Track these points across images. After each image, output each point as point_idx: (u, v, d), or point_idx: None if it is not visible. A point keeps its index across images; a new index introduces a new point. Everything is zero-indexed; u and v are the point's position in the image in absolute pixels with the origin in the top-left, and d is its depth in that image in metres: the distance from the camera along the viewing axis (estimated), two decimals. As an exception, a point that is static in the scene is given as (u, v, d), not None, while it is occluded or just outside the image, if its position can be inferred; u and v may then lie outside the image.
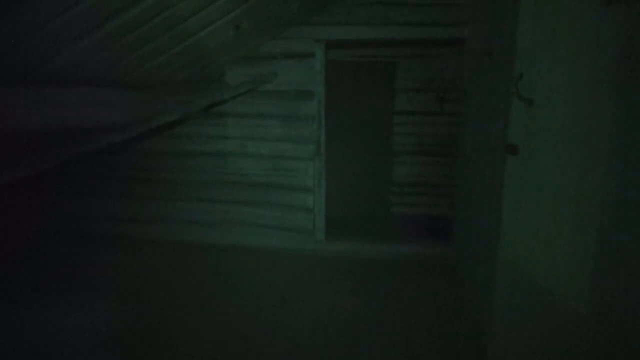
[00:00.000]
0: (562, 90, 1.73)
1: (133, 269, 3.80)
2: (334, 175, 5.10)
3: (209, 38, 2.95)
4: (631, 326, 1.46)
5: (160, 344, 2.71)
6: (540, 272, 1.89)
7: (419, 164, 5.28)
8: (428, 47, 5.01)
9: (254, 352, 2.65)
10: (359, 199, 5.30)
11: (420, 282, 3.59)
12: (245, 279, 3.63)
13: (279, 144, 4.14)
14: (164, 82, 3.28)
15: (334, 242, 4.21)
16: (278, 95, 4.05)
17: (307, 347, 2.70)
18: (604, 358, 1.59)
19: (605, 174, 1.55)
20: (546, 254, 1.83)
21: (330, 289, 3.47)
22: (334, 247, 4.19)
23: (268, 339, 2.77)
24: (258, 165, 4.19)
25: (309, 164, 4.12)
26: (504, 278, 2.12)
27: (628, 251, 1.46)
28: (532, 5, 1.90)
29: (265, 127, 4.12)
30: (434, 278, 3.68)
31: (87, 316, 2.97)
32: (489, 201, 2.63)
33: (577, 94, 1.67)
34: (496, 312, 2.25)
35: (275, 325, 2.93)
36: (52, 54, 1.99)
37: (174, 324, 2.92)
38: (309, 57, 3.94)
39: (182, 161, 4.29)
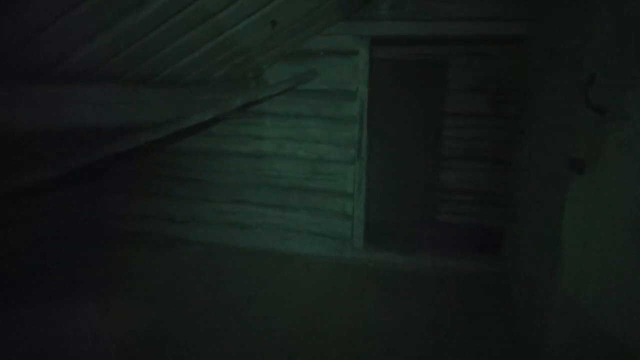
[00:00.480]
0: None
1: (155, 270, 3.73)
2: (376, 180, 4.84)
3: (244, 34, 2.79)
4: None
5: (175, 352, 2.58)
6: (610, 316, 1.58)
7: (469, 169, 4.91)
8: (482, 44, 4.64)
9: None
10: (401, 205, 5.01)
11: (465, 301, 3.28)
12: (276, 287, 3.46)
13: (317, 146, 3.94)
14: (199, 80, 3.16)
15: (373, 251, 3.97)
16: (318, 94, 3.85)
17: (335, 369, 2.49)
18: None
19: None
20: (620, 297, 1.51)
21: (366, 303, 3.24)
22: (372, 256, 3.95)
23: (293, 355, 2.58)
24: (295, 167, 4.01)
25: (348, 168, 3.89)
26: (563, 314, 1.81)
27: None
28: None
29: (304, 128, 3.93)
30: (481, 297, 3.35)
31: (108, 318, 2.90)
32: (546, 220, 2.30)
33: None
34: (551, 348, 1.95)
35: (303, 339, 2.73)
36: (69, 50, 1.88)
37: (194, 331, 2.79)
38: (352, 55, 3.71)
39: (218, 161, 4.19)
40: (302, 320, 2.97)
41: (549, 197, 2.28)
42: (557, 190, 2.08)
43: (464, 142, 4.86)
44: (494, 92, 4.67)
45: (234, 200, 4.21)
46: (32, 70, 1.91)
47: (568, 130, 1.92)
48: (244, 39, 2.87)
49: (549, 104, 2.46)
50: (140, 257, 3.98)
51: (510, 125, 4.60)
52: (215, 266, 3.84)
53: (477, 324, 2.96)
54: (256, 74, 3.85)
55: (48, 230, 4.00)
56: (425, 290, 3.46)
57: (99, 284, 3.43)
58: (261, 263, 3.92)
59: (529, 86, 3.19)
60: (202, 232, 4.34)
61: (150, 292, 3.30)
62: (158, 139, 3.27)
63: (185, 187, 4.33)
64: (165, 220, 4.45)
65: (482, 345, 2.71)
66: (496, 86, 4.67)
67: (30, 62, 1.86)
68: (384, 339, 2.76)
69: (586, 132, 1.65)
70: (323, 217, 4.02)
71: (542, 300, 2.23)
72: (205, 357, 2.55)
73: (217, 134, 4.15)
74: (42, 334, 2.70)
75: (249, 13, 2.55)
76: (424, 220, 4.96)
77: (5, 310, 2.96)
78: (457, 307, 3.19)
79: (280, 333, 2.81)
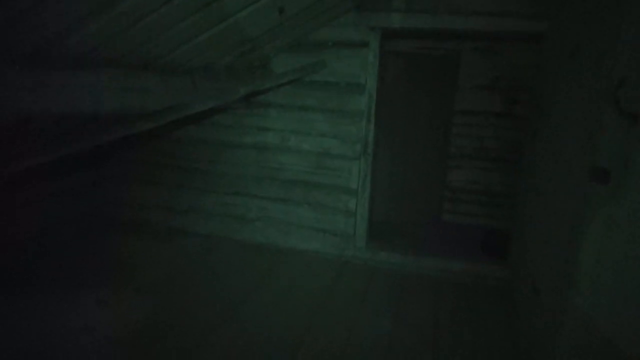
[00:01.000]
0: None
1: (155, 261, 3.64)
2: (381, 176, 4.72)
3: (250, 21, 2.66)
4: None
5: (166, 349, 2.50)
6: (626, 333, 1.47)
7: (478, 169, 4.78)
8: (497, 41, 4.49)
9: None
10: (406, 203, 4.89)
11: (469, 309, 3.17)
12: (274, 283, 3.37)
13: (323, 140, 3.82)
14: (202, 68, 3.04)
15: (376, 250, 3.86)
16: (325, 87, 3.72)
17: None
18: None
19: None
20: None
21: (366, 307, 3.14)
22: (374, 255, 3.84)
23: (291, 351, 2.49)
24: (299, 161, 3.90)
25: (354, 164, 3.78)
26: (575, 333, 1.70)
27: None
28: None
29: (309, 121, 3.81)
30: (485, 305, 3.25)
31: (102, 311, 2.82)
32: (557, 228, 2.19)
33: None
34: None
35: (298, 346, 2.64)
36: (63, 33, 1.77)
37: (190, 325, 2.70)
38: (362, 47, 3.57)
39: (220, 151, 4.08)
40: (299, 321, 2.88)
41: (562, 205, 2.16)
42: (572, 198, 1.96)
43: (474, 141, 4.73)
44: (506, 90, 4.53)
45: (235, 192, 4.11)
46: (22, 55, 1.80)
47: (588, 137, 1.80)
48: (249, 25, 2.75)
49: (566, 107, 2.33)
50: (139, 247, 3.90)
51: (521, 126, 4.47)
52: (214, 259, 3.76)
53: (480, 334, 2.86)
54: (262, 64, 3.73)
55: (46, 219, 3.91)
56: (427, 295, 3.35)
57: (96, 274, 3.34)
58: (260, 257, 3.83)
59: (543, 86, 3.06)
60: (202, 224, 4.25)
61: (148, 285, 3.22)
62: (158, 126, 3.17)
63: (186, 177, 4.23)
64: (165, 210, 4.35)
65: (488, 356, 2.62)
66: (508, 85, 4.53)
67: (20, 46, 1.75)
68: (383, 352, 2.66)
69: (611, 139, 1.52)
70: (325, 213, 3.91)
71: (550, 312, 2.13)
72: (202, 352, 2.47)
73: (220, 124, 4.03)
74: (39, 328, 2.62)
75: (255, -1, 2.43)
76: (429, 220, 4.84)
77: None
78: (460, 315, 3.08)
79: (276, 333, 2.72)
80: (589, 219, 1.62)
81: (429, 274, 3.68)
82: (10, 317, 2.70)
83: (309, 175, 3.90)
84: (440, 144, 4.77)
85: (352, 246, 3.87)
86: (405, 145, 4.79)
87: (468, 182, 4.81)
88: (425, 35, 4.47)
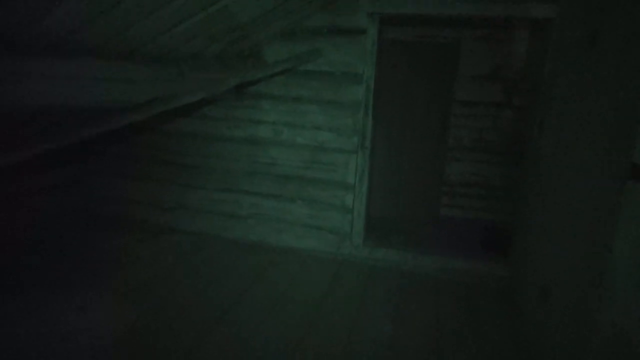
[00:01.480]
0: None
1: (142, 260, 3.45)
2: (378, 171, 4.56)
3: (240, 5, 2.46)
4: None
5: (154, 357, 2.33)
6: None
7: (477, 161, 4.65)
8: (498, 29, 4.32)
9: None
10: (404, 199, 4.74)
11: (470, 310, 3.04)
12: (268, 284, 3.20)
13: (318, 133, 3.63)
14: (189, 57, 2.84)
15: (373, 248, 3.70)
16: (321, 76, 3.53)
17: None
18: None
19: None
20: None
21: (364, 309, 2.98)
22: (372, 253, 3.69)
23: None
24: (293, 155, 3.71)
25: (350, 158, 3.60)
26: (608, 348, 1.55)
27: None
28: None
29: (303, 113, 3.62)
30: (486, 305, 3.11)
31: (83, 318, 2.63)
32: (578, 226, 2.04)
33: None
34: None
35: (294, 352, 2.48)
36: (40, 15, 1.56)
37: (174, 333, 2.53)
38: (360, 35, 3.38)
39: (209, 145, 3.87)
40: (295, 324, 2.72)
41: (581, 202, 2.01)
42: (599, 195, 1.80)
43: (473, 132, 4.58)
44: (508, 80, 4.38)
45: (225, 188, 3.92)
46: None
47: (621, 131, 1.64)
48: (239, 10, 2.54)
49: (585, 98, 2.17)
50: (124, 245, 3.70)
51: (522, 116, 4.33)
52: (203, 258, 3.57)
53: (482, 337, 2.72)
54: (253, 52, 3.52)
55: (27, 217, 3.70)
56: (427, 295, 3.21)
57: (79, 276, 3.14)
58: (253, 256, 3.65)
59: (553, 76, 2.90)
60: (191, 221, 4.05)
61: (132, 288, 3.03)
62: (143, 120, 2.98)
63: (174, 172, 4.03)
64: (152, 206, 4.15)
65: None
66: (510, 74, 4.37)
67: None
68: (385, 357, 2.51)
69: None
70: (321, 210, 3.74)
71: (571, 321, 1.98)
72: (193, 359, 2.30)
73: (209, 116, 3.82)
74: (17, 334, 2.43)
75: (246, -19, 2.23)
76: (428, 215, 4.70)
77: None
78: (461, 317, 2.94)
79: (272, 338, 2.56)
80: (625, 218, 1.48)
81: (428, 273, 3.54)
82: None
83: (303, 170, 3.72)
84: (439, 135, 4.62)
85: (348, 244, 3.71)
86: (402, 137, 4.63)
87: (467, 175, 4.68)
88: (426, 22, 4.29)
